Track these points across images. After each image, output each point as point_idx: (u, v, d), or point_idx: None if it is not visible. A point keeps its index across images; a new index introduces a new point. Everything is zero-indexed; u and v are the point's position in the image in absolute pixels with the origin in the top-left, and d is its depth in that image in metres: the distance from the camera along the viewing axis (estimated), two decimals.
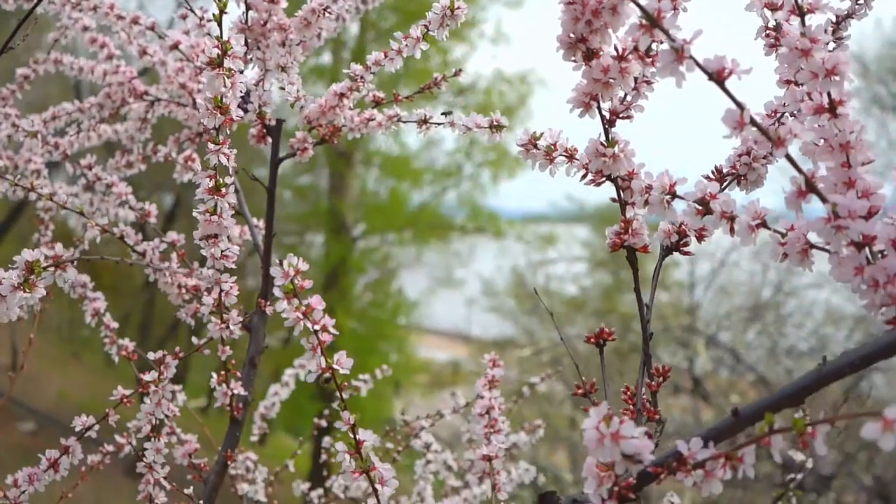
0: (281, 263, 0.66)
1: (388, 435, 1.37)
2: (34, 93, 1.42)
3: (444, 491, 1.39)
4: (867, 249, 0.56)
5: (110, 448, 1.17)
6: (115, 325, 1.16)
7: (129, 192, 1.15)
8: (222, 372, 1.03)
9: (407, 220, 11.28)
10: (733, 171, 0.75)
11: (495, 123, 0.92)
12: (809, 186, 0.56)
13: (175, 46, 1.11)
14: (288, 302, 0.67)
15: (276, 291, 0.67)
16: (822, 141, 0.61)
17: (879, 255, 0.58)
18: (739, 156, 0.75)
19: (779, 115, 0.76)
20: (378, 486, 0.70)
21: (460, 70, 1.08)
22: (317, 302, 0.68)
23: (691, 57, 0.55)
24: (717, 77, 0.55)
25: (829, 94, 0.59)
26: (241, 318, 0.98)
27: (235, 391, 1.04)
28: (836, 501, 5.28)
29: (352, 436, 0.71)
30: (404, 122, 1.03)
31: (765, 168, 0.75)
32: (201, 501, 1.00)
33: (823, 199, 0.56)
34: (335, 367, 0.69)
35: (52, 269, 0.71)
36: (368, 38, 10.43)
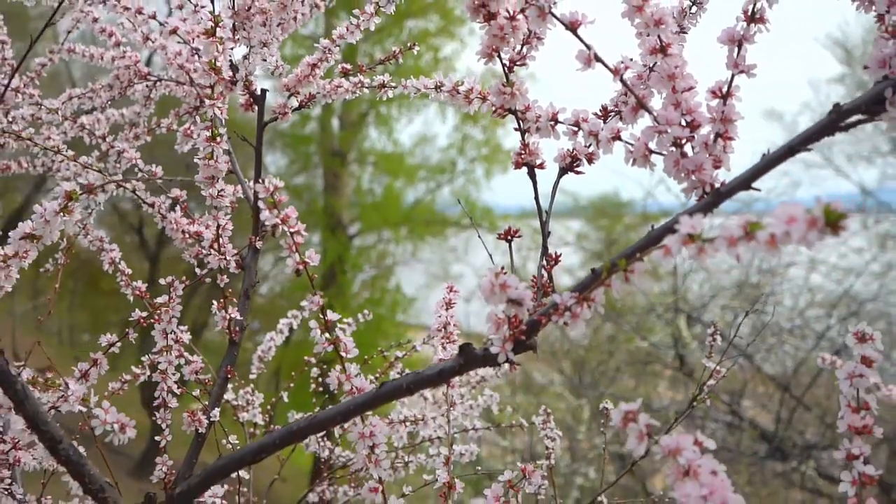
0: (263, 181, 0.87)
1: (366, 364, 1.58)
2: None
3: (423, 415, 1.60)
4: (684, 149, 0.77)
5: (127, 377, 1.38)
6: (129, 271, 1.37)
7: (137, 157, 1.36)
8: (221, 299, 1.24)
9: (402, 217, 11.47)
10: (616, 108, 0.96)
11: (439, 84, 1.13)
12: (640, 104, 0.78)
13: (174, 31, 1.31)
14: (269, 211, 0.88)
15: (261, 209, 0.88)
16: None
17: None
18: (620, 96, 0.96)
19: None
20: (343, 354, 0.91)
21: (414, 43, 1.30)
22: (292, 211, 0.89)
23: (551, 13, 0.76)
24: (572, 27, 0.76)
25: (659, 38, 0.80)
26: (236, 252, 1.19)
27: (233, 316, 1.25)
28: (815, 469, 5.48)
29: (322, 316, 0.92)
30: (367, 87, 1.24)
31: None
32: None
33: (650, 112, 0.77)
34: (307, 260, 0.90)
35: (85, 194, 0.91)
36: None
